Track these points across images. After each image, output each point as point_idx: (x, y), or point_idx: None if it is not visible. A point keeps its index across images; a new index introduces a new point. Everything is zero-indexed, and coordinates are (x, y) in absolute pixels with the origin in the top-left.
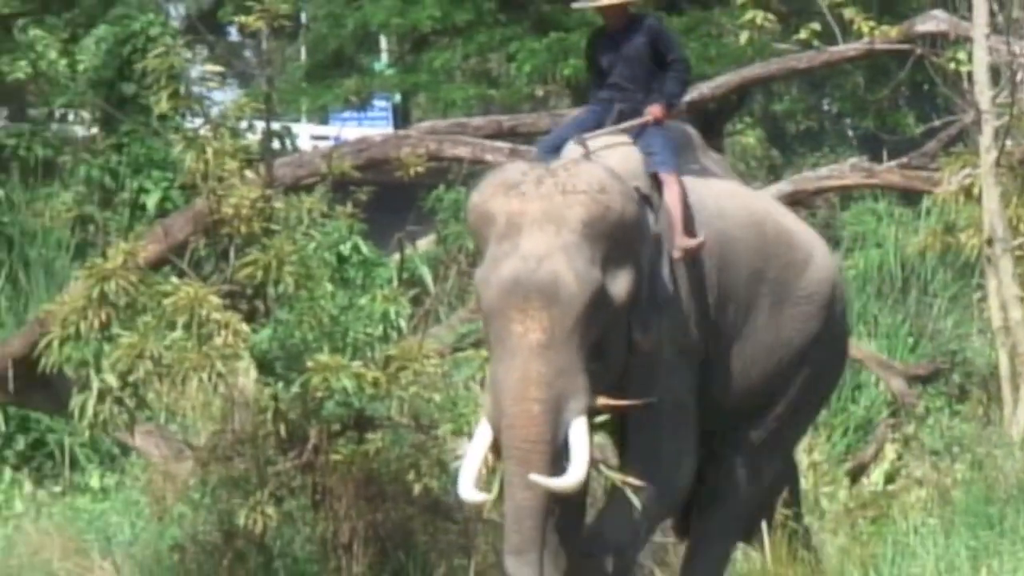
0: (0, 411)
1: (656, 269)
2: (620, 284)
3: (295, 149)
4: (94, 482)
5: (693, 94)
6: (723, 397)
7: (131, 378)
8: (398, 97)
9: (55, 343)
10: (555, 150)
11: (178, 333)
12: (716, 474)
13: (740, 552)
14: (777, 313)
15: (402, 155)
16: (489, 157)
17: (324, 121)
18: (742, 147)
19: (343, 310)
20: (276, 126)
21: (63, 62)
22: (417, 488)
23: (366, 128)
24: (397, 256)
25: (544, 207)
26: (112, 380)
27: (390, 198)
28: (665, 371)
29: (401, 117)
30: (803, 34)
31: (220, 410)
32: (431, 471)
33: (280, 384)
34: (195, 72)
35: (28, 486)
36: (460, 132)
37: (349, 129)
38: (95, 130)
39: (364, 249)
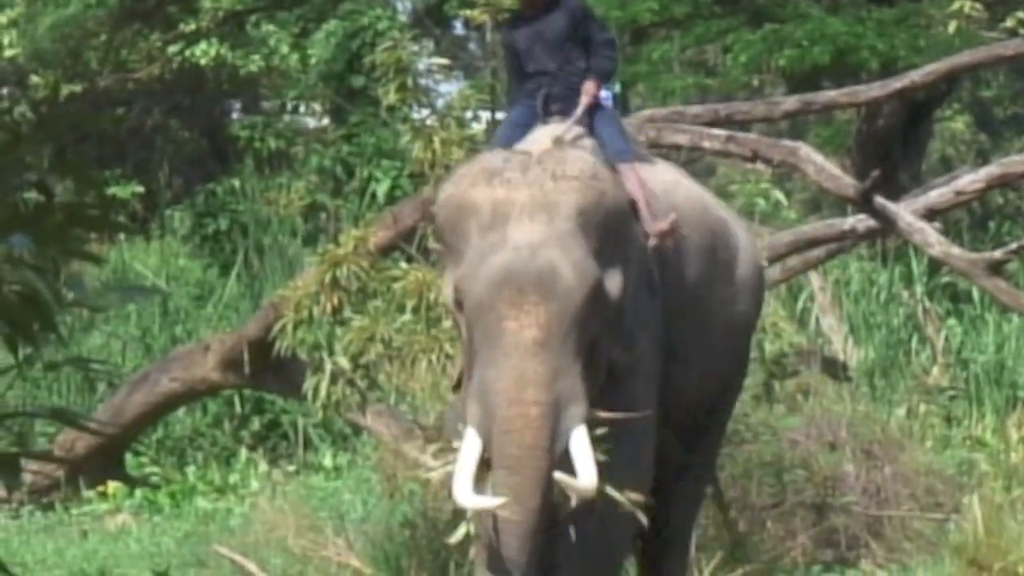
0: (236, 393)
1: (641, 270)
2: (614, 281)
3: None
4: (327, 461)
5: (904, 81)
6: (685, 388)
7: (362, 360)
8: (618, 87)
9: (289, 327)
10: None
11: (407, 316)
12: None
13: (953, 523)
14: (726, 299)
15: None
16: (706, 144)
17: None
18: (951, 132)
19: None
20: (500, 116)
21: (295, 56)
22: None
23: None
24: None
25: (534, 194)
26: (344, 362)
27: None
28: (643, 380)
29: (621, 106)
30: (1009, 22)
31: (448, 390)
32: None
33: None
34: (422, 65)
35: (263, 466)
36: (678, 120)
37: None
38: (326, 121)
39: None
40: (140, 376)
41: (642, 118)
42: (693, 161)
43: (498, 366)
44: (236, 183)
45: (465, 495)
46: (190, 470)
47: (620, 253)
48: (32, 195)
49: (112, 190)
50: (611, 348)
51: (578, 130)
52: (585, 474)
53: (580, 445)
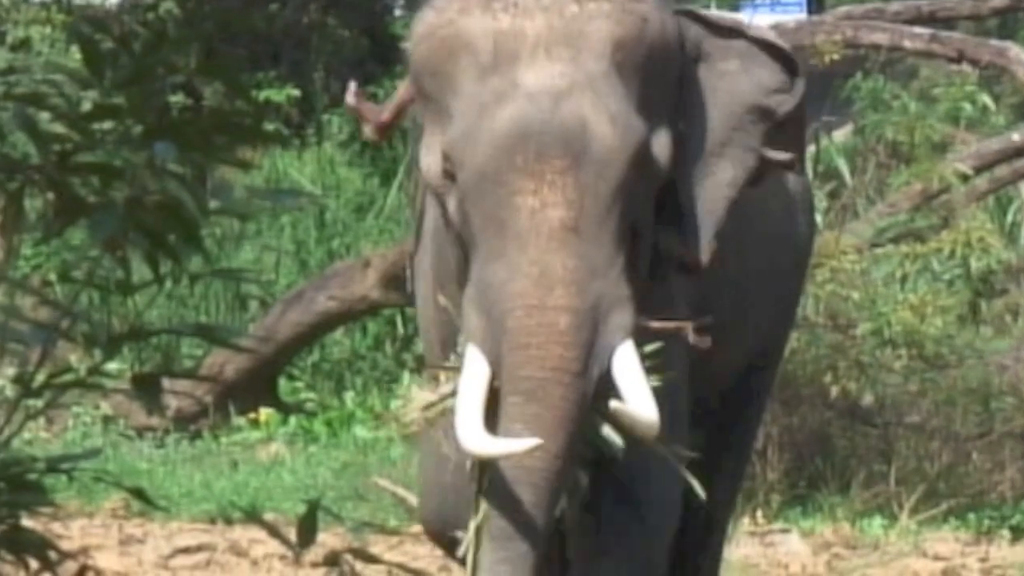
0: (398, 313)
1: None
2: (662, 143)
3: None
4: None
5: None
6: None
7: None
8: None
9: None
10: None
11: None
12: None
13: None
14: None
15: (817, 42)
16: (908, 44)
17: (735, 9)
18: None
19: None
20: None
21: None
22: (834, 391)
23: (779, 15)
24: (812, 147)
25: (552, 23)
26: None
27: (805, 87)
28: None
29: (816, 3)
30: None
31: None
32: (849, 373)
33: None
34: None
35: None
36: (877, 18)
37: (761, 16)
38: None
39: None
40: (295, 294)
41: (838, 15)
42: (893, 62)
43: (510, 260)
44: (398, 85)
45: (477, 439)
46: (348, 396)
47: (667, 103)
48: (179, 99)
49: (265, 94)
50: (658, 238)
51: None
52: (643, 405)
53: (629, 367)
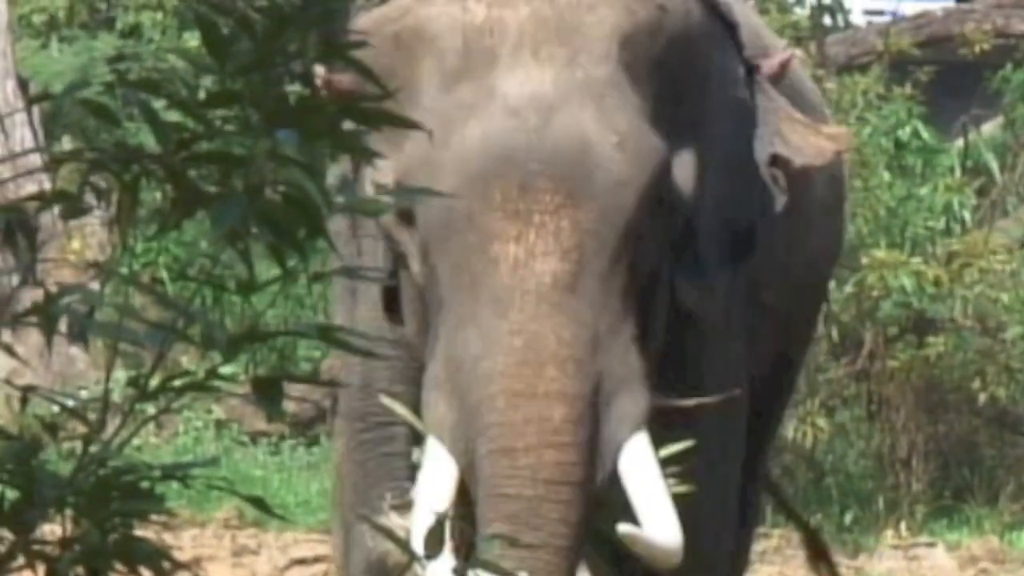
0: None
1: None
2: (685, 167)
3: (848, 25)
4: None
5: None
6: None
7: None
8: None
9: None
10: None
11: None
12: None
13: None
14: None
15: (966, 31)
16: None
17: None
18: None
19: (901, 201)
20: (827, 0)
21: None
22: (982, 397)
23: (927, 2)
24: (960, 142)
25: (541, 14)
26: None
27: (952, 78)
28: (719, 345)
29: None
30: None
31: None
32: (998, 378)
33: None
34: None
35: None
36: None
37: (908, 3)
38: None
39: (924, 134)
40: None
41: (988, 3)
42: None
43: (486, 329)
44: None
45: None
46: None
47: (692, 116)
48: (295, 88)
49: None
50: (682, 284)
51: None
52: (662, 524)
53: (641, 470)
